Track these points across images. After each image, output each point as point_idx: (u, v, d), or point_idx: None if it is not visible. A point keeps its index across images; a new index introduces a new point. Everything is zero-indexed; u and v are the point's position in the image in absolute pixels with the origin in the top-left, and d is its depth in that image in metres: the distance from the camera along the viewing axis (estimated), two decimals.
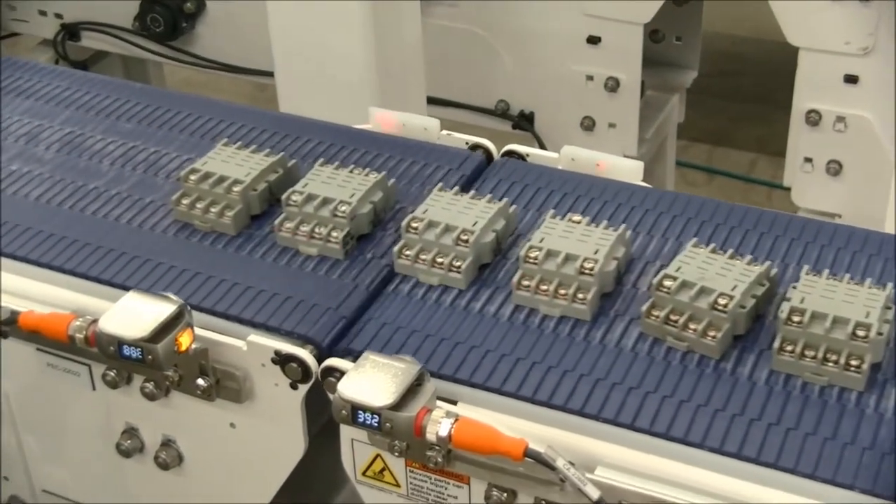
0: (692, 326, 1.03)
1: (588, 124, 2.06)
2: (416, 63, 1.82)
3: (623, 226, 1.13)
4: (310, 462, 1.12)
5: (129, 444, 1.18)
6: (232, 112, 1.37)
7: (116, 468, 1.21)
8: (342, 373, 1.02)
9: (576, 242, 1.10)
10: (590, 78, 2.03)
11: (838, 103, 1.84)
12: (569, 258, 1.09)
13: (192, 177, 1.21)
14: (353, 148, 1.30)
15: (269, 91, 2.00)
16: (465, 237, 1.13)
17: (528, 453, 0.96)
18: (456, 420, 0.98)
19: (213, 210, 1.19)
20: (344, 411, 0.99)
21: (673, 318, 1.04)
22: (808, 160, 1.89)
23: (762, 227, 1.18)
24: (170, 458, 1.17)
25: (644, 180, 1.26)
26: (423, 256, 1.13)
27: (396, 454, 1.02)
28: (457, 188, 1.19)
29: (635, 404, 1.00)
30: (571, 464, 0.96)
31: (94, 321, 1.08)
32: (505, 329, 1.08)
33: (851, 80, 1.81)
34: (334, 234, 1.16)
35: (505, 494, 1.02)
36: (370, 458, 1.07)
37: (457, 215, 1.15)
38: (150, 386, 1.12)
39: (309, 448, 1.11)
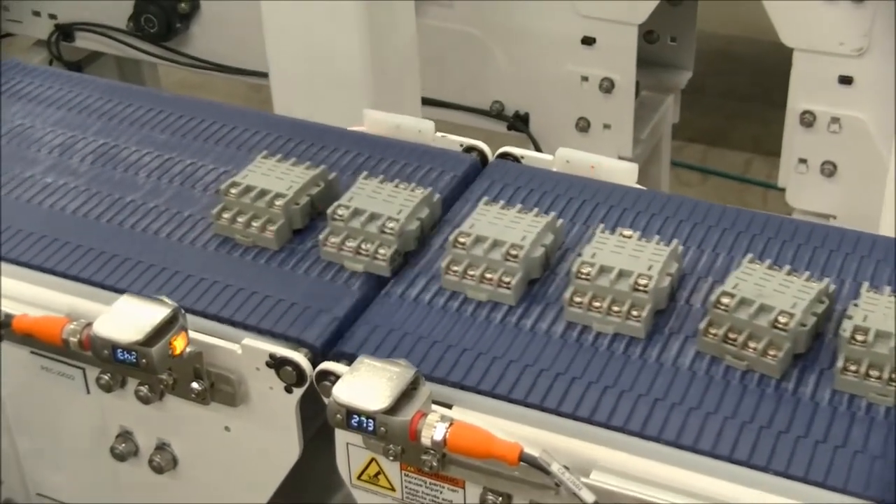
0: (752, 345, 1.02)
1: (583, 125, 2.06)
2: (411, 64, 1.81)
3: (675, 241, 1.11)
4: (305, 466, 1.12)
5: (124, 447, 1.18)
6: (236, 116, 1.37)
7: (111, 472, 1.21)
8: (337, 376, 1.02)
9: (628, 258, 1.09)
10: (585, 79, 2.03)
11: (833, 104, 1.84)
12: (622, 274, 1.07)
13: (233, 190, 1.19)
14: (346, 150, 1.30)
15: (263, 92, 2.00)
16: (514, 252, 1.11)
17: (523, 457, 0.96)
18: (451, 424, 0.98)
19: (254, 224, 1.18)
20: (339, 415, 0.99)
21: (731, 336, 1.03)
22: (803, 161, 1.89)
23: (754, 229, 1.17)
24: (164, 461, 1.17)
25: (639, 181, 1.26)
26: (471, 272, 1.11)
27: (391, 458, 1.02)
28: (502, 202, 1.17)
29: (696, 425, 0.98)
30: (566, 468, 0.96)
31: (89, 324, 1.08)
32: (558, 347, 1.06)
33: (846, 80, 1.81)
34: (381, 251, 1.14)
35: (500, 498, 1.02)
36: (365, 461, 1.07)
37: (504, 230, 1.13)
38: (144, 389, 1.12)
39: (304, 452, 1.11)
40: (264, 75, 1.90)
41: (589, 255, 1.09)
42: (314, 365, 1.05)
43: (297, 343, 1.07)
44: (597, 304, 1.07)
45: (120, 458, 1.18)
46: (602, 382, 1.02)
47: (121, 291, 1.10)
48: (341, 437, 1.06)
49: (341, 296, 1.11)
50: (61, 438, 1.23)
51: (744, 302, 1.04)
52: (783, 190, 1.94)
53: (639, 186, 1.24)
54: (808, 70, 1.82)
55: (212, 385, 1.09)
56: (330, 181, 1.22)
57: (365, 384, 0.99)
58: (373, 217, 1.15)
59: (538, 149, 1.98)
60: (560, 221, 1.16)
